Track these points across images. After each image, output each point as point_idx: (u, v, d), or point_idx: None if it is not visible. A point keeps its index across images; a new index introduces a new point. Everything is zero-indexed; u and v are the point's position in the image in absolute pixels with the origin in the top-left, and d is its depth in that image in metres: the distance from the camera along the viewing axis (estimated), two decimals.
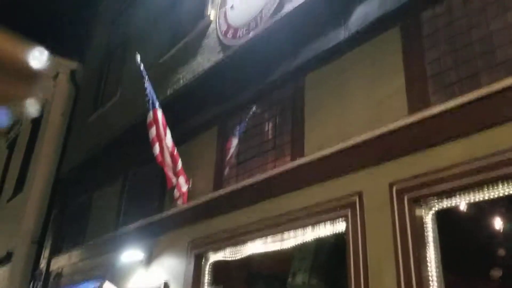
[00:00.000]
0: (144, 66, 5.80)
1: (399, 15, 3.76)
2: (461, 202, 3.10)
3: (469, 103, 3.03)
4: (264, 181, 4.45)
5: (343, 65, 4.15)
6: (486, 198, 2.98)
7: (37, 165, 9.89)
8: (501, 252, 4.58)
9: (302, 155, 4.19)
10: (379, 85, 3.73)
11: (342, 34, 4.16)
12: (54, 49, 10.79)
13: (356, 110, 3.85)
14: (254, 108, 5.11)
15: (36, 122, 11.33)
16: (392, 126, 3.44)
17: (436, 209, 3.16)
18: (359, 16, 4.04)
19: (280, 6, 5.06)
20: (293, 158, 4.29)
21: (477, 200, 3.03)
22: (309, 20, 4.50)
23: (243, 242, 4.47)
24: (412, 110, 3.40)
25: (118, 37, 9.40)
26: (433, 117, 3.20)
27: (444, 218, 3.19)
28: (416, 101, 3.40)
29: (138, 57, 5.76)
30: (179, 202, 5.39)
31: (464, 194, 3.02)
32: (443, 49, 3.42)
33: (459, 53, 3.31)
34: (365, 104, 3.79)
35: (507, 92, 2.86)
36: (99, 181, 7.69)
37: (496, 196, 2.94)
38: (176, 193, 5.36)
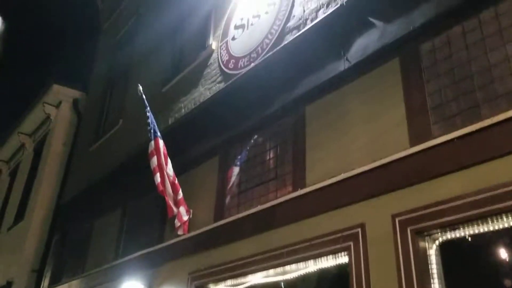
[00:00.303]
0: (146, 95, 5.84)
1: (398, 47, 3.79)
2: (465, 234, 3.06)
3: (471, 134, 3.02)
4: (265, 211, 4.42)
5: (344, 96, 4.17)
6: (491, 230, 2.94)
7: (38, 194, 9.89)
8: (508, 283, 4.50)
9: (303, 185, 4.17)
10: (380, 116, 3.74)
11: (342, 65, 4.19)
12: (57, 78, 10.95)
13: (357, 141, 3.85)
14: (255, 138, 5.12)
15: (38, 151, 11.38)
16: (394, 157, 3.43)
17: (440, 241, 3.12)
18: (359, 48, 4.08)
19: (280, 37, 5.14)
20: (294, 189, 4.26)
21: (481, 232, 2.99)
22: (309, 51, 4.55)
23: (244, 274, 4.41)
24: (413, 141, 3.39)
25: (120, 66, 9.51)
26: (435, 148, 3.19)
27: (449, 250, 3.15)
28: (417, 133, 3.40)
29: (140, 88, 5.82)
30: (180, 232, 5.35)
31: (468, 226, 2.98)
32: (443, 81, 3.43)
33: (459, 85, 3.32)
34: (366, 135, 3.79)
35: (508, 124, 2.85)
36: (100, 210, 7.65)
37: (500, 228, 2.91)
38: (177, 223, 5.33)
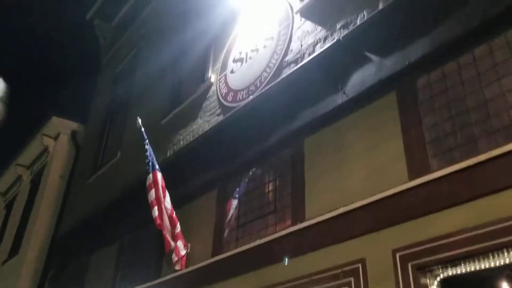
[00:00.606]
0: (145, 128, 5.86)
1: (395, 81, 3.83)
2: (467, 270, 3.02)
3: (469, 169, 3.03)
4: (264, 246, 4.37)
5: (342, 129, 4.18)
6: (492, 265, 2.91)
7: (34, 227, 9.78)
8: None
9: (303, 219, 4.14)
10: (379, 149, 3.75)
11: (339, 98, 4.23)
12: (56, 110, 11.01)
13: (356, 174, 3.84)
14: (254, 171, 5.11)
15: (35, 183, 11.32)
16: (393, 191, 3.43)
17: (442, 277, 3.07)
18: (356, 82, 4.12)
19: (278, 71, 5.20)
20: (293, 222, 4.23)
21: (483, 267, 2.95)
22: (307, 84, 4.59)
23: None
24: (412, 175, 3.39)
25: (119, 99, 9.57)
26: (434, 182, 3.19)
27: (450, 286, 3.10)
28: (416, 166, 3.40)
29: (139, 121, 5.83)
30: (177, 267, 5.27)
31: (469, 261, 2.94)
32: (440, 115, 3.46)
33: (456, 120, 3.35)
34: (365, 168, 3.79)
35: (506, 159, 2.86)
36: (96, 244, 7.56)
37: (502, 263, 2.88)
38: (174, 257, 5.25)
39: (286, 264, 3.99)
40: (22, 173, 12.58)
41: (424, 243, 3.09)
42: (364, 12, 4.38)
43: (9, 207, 13.19)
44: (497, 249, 2.81)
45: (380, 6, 4.16)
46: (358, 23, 4.35)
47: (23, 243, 10.10)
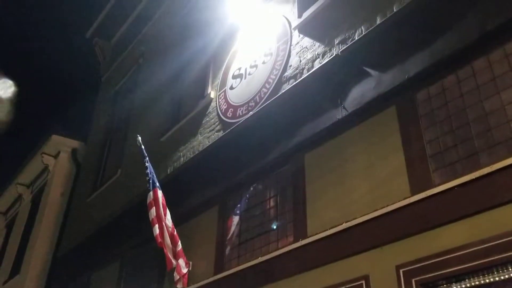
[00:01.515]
0: (145, 145, 5.85)
1: (394, 95, 3.83)
2: (472, 285, 2.98)
3: (471, 182, 3.01)
4: (266, 263, 4.33)
5: (342, 144, 4.17)
6: (497, 279, 2.87)
7: (35, 246, 9.71)
8: None
9: (305, 235, 4.11)
10: (380, 164, 3.73)
11: (339, 113, 4.22)
12: (56, 129, 11.01)
13: (358, 189, 3.82)
14: (255, 187, 5.08)
15: (36, 202, 11.27)
16: (396, 205, 3.40)
17: None
18: (355, 96, 4.12)
19: (278, 86, 5.20)
20: (295, 239, 4.19)
21: (487, 282, 2.92)
22: (306, 99, 4.60)
23: None
24: (414, 189, 3.37)
25: (119, 116, 9.58)
26: (436, 196, 3.17)
27: None
28: (418, 181, 3.38)
29: (139, 139, 5.82)
30: (179, 285, 5.22)
31: (473, 276, 2.91)
32: (440, 129, 3.45)
33: (457, 133, 3.34)
34: (367, 183, 3.77)
35: (508, 172, 2.84)
36: (97, 263, 7.50)
37: (507, 278, 2.84)
38: (176, 276, 5.20)
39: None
40: (23, 192, 12.54)
41: (428, 259, 3.06)
42: (362, 27, 4.40)
43: (9, 226, 13.13)
44: (502, 264, 2.78)
45: (378, 21, 4.18)
46: (356, 38, 4.36)
47: (24, 262, 10.02)
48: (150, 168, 5.61)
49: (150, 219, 5.36)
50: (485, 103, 3.25)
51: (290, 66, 5.20)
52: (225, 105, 6.07)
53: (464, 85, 3.43)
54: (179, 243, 5.30)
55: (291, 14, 5.56)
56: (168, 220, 5.38)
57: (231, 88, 6.12)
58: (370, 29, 4.18)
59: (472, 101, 3.34)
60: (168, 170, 6.62)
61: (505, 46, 3.30)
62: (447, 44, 3.56)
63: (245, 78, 5.93)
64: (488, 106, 3.22)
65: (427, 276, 3.05)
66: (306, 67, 4.93)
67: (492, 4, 3.39)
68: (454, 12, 3.60)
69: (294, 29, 5.39)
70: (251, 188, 5.11)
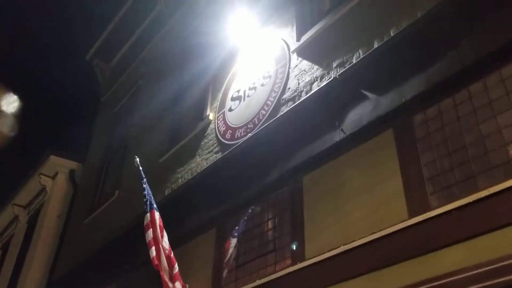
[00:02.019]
0: (143, 166, 5.83)
1: (392, 118, 3.86)
2: None
3: (468, 206, 3.01)
4: (263, 286, 4.29)
5: (340, 167, 4.18)
6: None
7: (30, 269, 9.59)
8: None
9: (303, 258, 4.08)
10: (377, 186, 3.73)
11: (337, 136, 4.24)
12: (54, 149, 11.01)
13: (355, 212, 3.82)
14: (253, 209, 5.07)
15: (32, 223, 11.19)
16: (393, 228, 3.39)
17: None
18: (353, 119, 4.15)
19: (276, 108, 5.24)
20: (293, 262, 4.17)
21: None
22: (304, 122, 4.62)
23: None
24: (412, 212, 3.37)
25: (118, 137, 9.59)
26: (434, 220, 3.17)
27: None
28: (415, 203, 3.38)
29: (137, 160, 5.82)
30: None
31: None
32: (437, 152, 3.47)
33: (454, 156, 3.35)
34: (365, 206, 3.76)
35: (505, 196, 2.85)
36: (94, 286, 7.40)
37: None
38: None
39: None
40: (19, 213, 12.45)
41: (426, 283, 3.03)
42: (360, 51, 4.45)
43: (5, 248, 12.99)
44: None
45: (375, 45, 4.24)
46: (354, 62, 4.41)
47: (19, 285, 9.88)
48: (147, 190, 5.59)
49: (147, 241, 5.30)
50: (481, 126, 3.28)
51: (289, 88, 5.24)
52: (223, 127, 6.09)
53: (460, 109, 3.46)
54: (176, 265, 5.24)
55: (290, 38, 5.64)
56: (165, 242, 5.33)
57: (230, 110, 6.15)
58: (368, 52, 4.23)
59: (468, 124, 3.37)
60: (166, 192, 6.60)
61: (501, 70, 3.34)
62: (444, 68, 3.61)
63: (244, 100, 5.97)
64: (485, 130, 3.25)
65: None
66: (305, 89, 4.97)
67: (487, 28, 3.45)
68: (450, 37, 3.66)
69: (293, 52, 5.45)
70: (249, 210, 5.09)
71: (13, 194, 12.61)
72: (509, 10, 3.33)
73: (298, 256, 4.14)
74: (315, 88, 4.78)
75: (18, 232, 12.29)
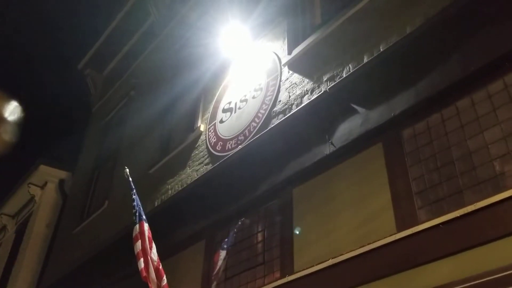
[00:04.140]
0: (133, 177, 5.80)
1: (381, 132, 3.90)
2: None
3: (455, 220, 3.04)
4: None
5: (330, 180, 4.20)
6: None
7: (17, 280, 9.47)
8: None
9: (291, 271, 4.08)
10: (366, 200, 3.75)
11: (327, 149, 4.27)
12: (44, 159, 10.93)
13: (344, 225, 3.83)
14: (242, 221, 5.06)
15: (20, 233, 11.07)
16: (381, 242, 3.40)
17: None
18: (343, 133, 4.18)
19: (267, 121, 5.26)
20: (282, 275, 4.16)
21: None
22: (294, 135, 4.64)
23: None
24: (400, 226, 3.38)
25: (108, 148, 9.55)
26: (421, 234, 3.18)
27: None
28: (404, 217, 3.40)
29: (127, 171, 5.79)
30: None
31: None
32: (426, 166, 3.50)
33: (442, 171, 3.38)
34: (353, 219, 3.78)
35: (491, 210, 2.88)
36: None
37: None
38: None
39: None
40: (7, 223, 12.32)
41: None
42: (350, 65, 4.50)
43: None
44: None
45: (365, 60, 4.29)
46: (344, 76, 4.46)
47: None
48: (137, 201, 5.55)
49: (135, 253, 5.27)
50: (469, 142, 3.32)
51: (280, 101, 5.27)
52: (214, 139, 6.10)
53: (448, 124, 3.50)
54: (164, 277, 5.19)
55: (281, 51, 5.68)
56: (154, 254, 5.29)
57: (221, 121, 6.17)
58: (358, 67, 4.28)
59: (456, 139, 3.40)
60: (156, 203, 6.57)
61: (488, 86, 3.39)
62: (432, 83, 3.65)
63: (235, 112, 5.99)
64: (472, 145, 3.28)
65: None
66: (295, 102, 5.00)
67: (475, 45, 3.50)
68: (439, 53, 3.71)
69: (284, 65, 5.49)
70: (239, 223, 5.08)
71: (1, 204, 12.48)
72: (497, 27, 3.40)
73: (287, 269, 4.13)
74: (305, 101, 4.81)
75: (5, 242, 12.15)
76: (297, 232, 4.16)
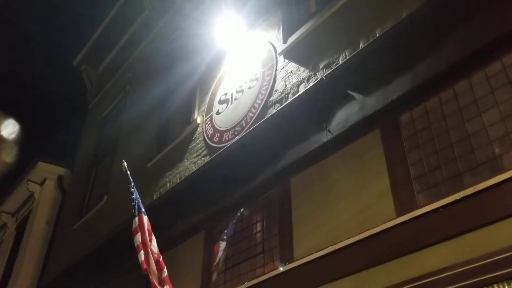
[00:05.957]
0: (131, 171, 5.78)
1: (378, 118, 3.87)
2: None
3: (455, 203, 3.02)
4: None
5: (328, 168, 4.18)
6: None
7: (18, 277, 9.49)
8: None
9: (291, 259, 4.07)
10: (365, 187, 3.73)
11: (324, 136, 4.24)
12: (42, 156, 10.90)
13: (343, 213, 3.81)
14: (241, 212, 5.04)
15: (20, 230, 11.08)
16: (381, 228, 3.39)
17: None
18: (340, 120, 4.15)
19: (263, 111, 5.23)
20: (282, 263, 4.14)
21: None
22: (291, 123, 4.62)
23: None
24: (399, 211, 3.37)
25: (106, 142, 9.53)
26: (421, 218, 3.17)
27: None
28: (403, 203, 3.38)
29: (125, 164, 5.77)
30: None
31: None
32: (424, 150, 3.48)
33: (440, 155, 3.36)
34: (352, 206, 3.76)
35: (490, 193, 2.86)
36: None
37: None
38: None
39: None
40: (7, 220, 12.31)
41: (414, 281, 3.03)
42: (346, 52, 4.46)
43: None
44: (488, 284, 2.76)
45: (361, 46, 4.25)
46: (340, 63, 4.42)
47: None
48: (135, 194, 5.54)
49: (135, 245, 5.25)
50: (467, 124, 3.29)
51: (276, 90, 5.24)
52: (211, 130, 6.07)
53: (446, 108, 3.48)
54: (165, 269, 5.19)
55: (276, 40, 5.64)
56: (154, 246, 5.28)
57: (218, 113, 6.13)
58: (354, 53, 4.24)
59: (454, 123, 3.38)
60: (154, 196, 6.56)
61: (485, 68, 3.36)
62: (429, 67, 3.62)
63: (231, 103, 5.96)
64: (471, 128, 3.26)
65: None
66: (292, 91, 4.97)
67: (472, 28, 3.47)
68: (435, 36, 3.68)
69: (279, 54, 5.45)
70: (238, 213, 5.07)
71: (1, 201, 12.48)
72: (494, 9, 3.36)
73: (287, 257, 4.12)
74: (302, 89, 4.78)
75: (6, 239, 12.15)
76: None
